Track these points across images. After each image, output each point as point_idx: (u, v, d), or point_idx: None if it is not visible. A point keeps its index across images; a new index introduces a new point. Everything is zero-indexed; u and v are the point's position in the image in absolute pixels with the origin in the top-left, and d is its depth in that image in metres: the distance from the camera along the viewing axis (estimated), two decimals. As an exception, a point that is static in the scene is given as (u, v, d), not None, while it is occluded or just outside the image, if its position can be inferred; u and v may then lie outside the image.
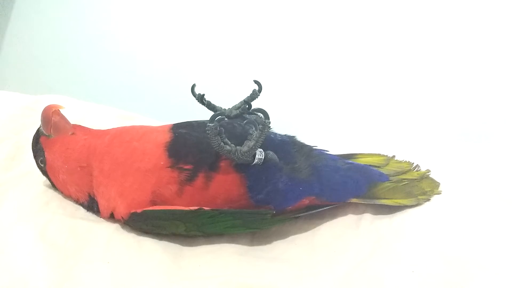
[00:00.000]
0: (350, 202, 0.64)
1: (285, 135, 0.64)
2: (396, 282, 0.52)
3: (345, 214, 0.65)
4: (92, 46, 1.49)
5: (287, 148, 0.62)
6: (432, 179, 0.68)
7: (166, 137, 0.59)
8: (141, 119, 0.95)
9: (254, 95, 0.56)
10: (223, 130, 0.56)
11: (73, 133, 0.64)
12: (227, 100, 0.61)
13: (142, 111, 1.03)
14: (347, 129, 1.16)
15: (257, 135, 0.55)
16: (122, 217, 0.60)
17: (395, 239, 0.59)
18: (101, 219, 0.63)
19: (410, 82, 1.11)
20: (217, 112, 0.56)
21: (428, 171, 0.69)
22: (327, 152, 0.66)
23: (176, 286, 0.53)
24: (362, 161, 0.68)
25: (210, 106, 0.58)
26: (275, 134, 0.63)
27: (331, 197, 0.63)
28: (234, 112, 0.56)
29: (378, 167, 0.68)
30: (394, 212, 0.64)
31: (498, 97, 1.03)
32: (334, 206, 0.64)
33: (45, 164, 0.65)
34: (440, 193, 0.66)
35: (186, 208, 0.56)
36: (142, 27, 1.41)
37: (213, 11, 1.30)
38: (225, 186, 0.57)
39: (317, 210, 0.63)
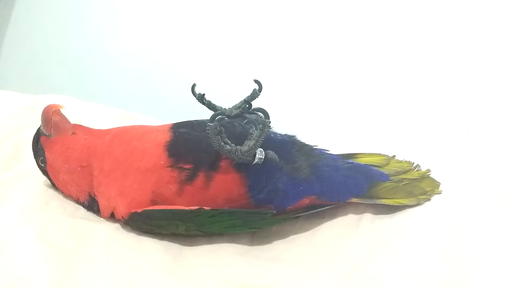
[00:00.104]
0: (350, 201, 0.64)
1: (285, 134, 0.64)
2: (396, 282, 0.52)
3: (346, 213, 0.65)
4: (92, 45, 1.49)
5: (287, 147, 0.62)
6: (432, 179, 0.68)
7: (166, 136, 0.59)
8: (142, 119, 0.95)
9: (255, 94, 0.56)
10: (223, 130, 0.56)
11: (73, 133, 0.64)
12: (227, 100, 0.61)
13: (142, 111, 1.03)
14: (348, 129, 1.16)
15: (257, 135, 0.55)
16: (123, 217, 0.60)
17: (395, 239, 0.59)
18: (102, 218, 0.63)
19: (411, 82, 1.10)
20: (217, 112, 0.56)
21: (429, 170, 0.69)
22: (328, 152, 0.66)
23: (176, 285, 0.53)
24: (362, 160, 0.68)
25: (210, 105, 0.58)
26: (275, 133, 0.63)
27: (331, 196, 0.63)
28: (234, 112, 0.56)
29: (379, 166, 0.68)
30: (395, 212, 0.64)
31: (498, 97, 1.02)
32: (334, 205, 0.64)
33: (45, 164, 0.65)
34: (441, 193, 0.66)
35: (186, 208, 0.56)
36: (142, 27, 1.41)
37: (214, 10, 1.30)
38: (225, 185, 0.57)
39: (317, 210, 0.63)
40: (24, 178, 0.70)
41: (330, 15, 1.17)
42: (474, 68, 1.04)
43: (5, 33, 1.63)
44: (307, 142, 0.65)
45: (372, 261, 0.56)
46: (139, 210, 0.57)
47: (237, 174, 0.57)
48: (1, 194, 0.66)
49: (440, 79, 1.08)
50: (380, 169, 0.67)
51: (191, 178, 0.56)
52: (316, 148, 0.65)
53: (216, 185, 0.57)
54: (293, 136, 0.65)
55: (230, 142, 0.55)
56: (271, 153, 0.57)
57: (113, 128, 0.65)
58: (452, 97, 1.06)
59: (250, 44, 1.27)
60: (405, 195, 0.65)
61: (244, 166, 0.57)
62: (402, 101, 1.11)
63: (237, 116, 0.57)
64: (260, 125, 0.55)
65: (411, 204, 0.64)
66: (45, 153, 0.65)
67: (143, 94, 1.41)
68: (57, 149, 0.63)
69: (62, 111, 0.64)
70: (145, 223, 0.59)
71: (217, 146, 0.55)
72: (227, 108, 0.57)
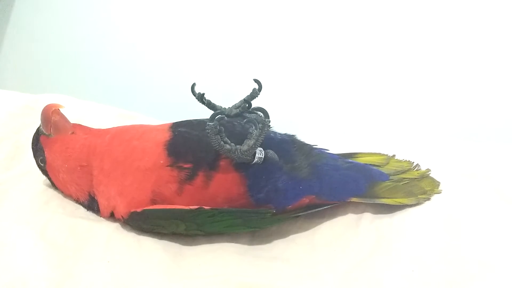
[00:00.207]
0: (350, 201, 0.64)
1: (285, 134, 0.64)
2: (396, 281, 0.52)
3: (345, 213, 0.65)
4: (92, 45, 1.49)
5: (287, 147, 0.62)
6: (432, 178, 0.68)
7: (166, 135, 0.59)
8: (141, 118, 0.95)
9: (254, 94, 0.56)
10: (223, 129, 0.56)
11: (73, 132, 0.64)
12: (227, 99, 0.61)
13: (142, 110, 1.02)
14: (347, 128, 1.16)
15: (257, 134, 0.55)
16: (122, 216, 0.60)
17: (395, 238, 0.59)
18: (101, 218, 0.63)
19: (411, 82, 1.10)
20: (217, 111, 0.56)
21: (428, 170, 0.69)
22: (327, 151, 0.66)
23: (176, 285, 0.53)
24: (362, 160, 0.68)
25: (210, 105, 0.58)
26: (275, 133, 0.63)
27: (331, 196, 0.63)
28: (234, 111, 0.56)
29: (378, 166, 0.68)
30: (394, 211, 0.64)
31: (498, 97, 1.03)
32: (334, 205, 0.64)
33: (45, 164, 0.65)
34: (440, 193, 0.66)
35: (186, 207, 0.56)
36: (142, 26, 1.41)
37: (214, 10, 1.30)
38: (225, 185, 0.57)
39: (317, 209, 0.63)
40: (23, 177, 0.70)
41: (330, 15, 1.17)
42: (474, 68, 1.04)
43: (5, 33, 1.63)
44: (307, 142, 0.65)
45: (372, 261, 0.56)
46: (139, 210, 0.57)
47: (236, 173, 0.57)
48: (0, 193, 0.66)
49: (440, 79, 1.08)
50: (380, 169, 0.67)
51: (190, 177, 0.56)
52: (315, 148, 0.65)
53: (215, 185, 0.57)
54: (293, 135, 0.65)
55: (229, 142, 0.55)
56: (270, 152, 0.57)
57: (113, 127, 0.65)
58: (452, 96, 1.06)
59: (250, 43, 1.27)
60: (404, 195, 0.64)
61: (243, 166, 0.57)
62: (402, 100, 1.11)
63: (236, 115, 0.57)
64: (259, 125, 0.55)
65: (411, 203, 0.64)
66: (45, 152, 0.64)
67: (143, 93, 1.41)
68: (57, 148, 0.63)
69: (62, 110, 0.64)
70: (145, 222, 0.59)
71: (217, 145, 0.55)
72: (226, 108, 0.57)
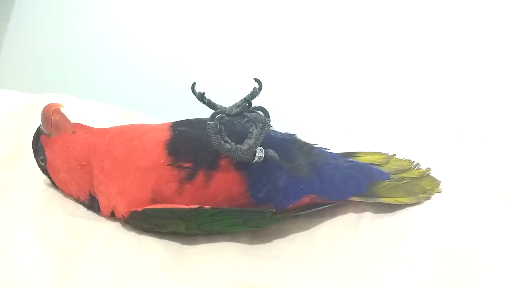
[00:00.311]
0: (350, 200, 0.64)
1: (285, 133, 0.64)
2: (396, 281, 0.52)
3: (346, 212, 0.65)
4: (92, 44, 1.49)
5: (288, 146, 0.62)
6: (432, 178, 0.68)
7: (166, 135, 0.59)
8: (142, 118, 0.95)
9: (255, 93, 0.56)
10: (223, 128, 0.56)
11: (73, 132, 0.64)
12: (227, 99, 0.61)
13: (142, 110, 1.02)
14: (348, 128, 1.16)
15: (257, 133, 0.55)
16: (123, 216, 0.60)
17: (395, 238, 0.59)
18: (102, 217, 0.63)
19: (411, 81, 1.10)
20: (217, 110, 0.56)
21: (429, 169, 0.69)
22: (328, 151, 0.66)
23: (177, 284, 0.53)
24: (362, 159, 0.68)
25: (210, 104, 0.58)
26: (276, 132, 0.63)
27: (331, 195, 0.63)
28: (234, 110, 0.56)
29: (379, 165, 0.68)
30: (395, 211, 0.64)
31: (498, 97, 1.02)
32: (334, 204, 0.64)
33: (45, 163, 0.65)
34: (441, 192, 0.66)
35: (187, 207, 0.56)
36: (142, 26, 1.41)
37: (214, 9, 1.30)
38: (225, 184, 0.57)
39: (317, 209, 0.63)
40: (24, 177, 0.70)
41: (330, 15, 1.16)
42: (474, 67, 1.04)
43: (5, 32, 1.63)
44: (307, 141, 0.65)
45: (372, 260, 0.56)
46: (139, 209, 0.57)
47: (237, 172, 0.57)
48: (1, 193, 0.66)
49: (440, 78, 1.08)
50: (380, 168, 0.67)
51: (191, 176, 0.56)
52: (316, 147, 0.65)
53: (216, 184, 0.57)
54: (293, 134, 0.65)
55: (230, 141, 0.55)
56: (271, 151, 0.57)
57: (113, 127, 0.65)
58: (453, 96, 1.06)
59: (250, 43, 1.27)
60: (405, 194, 0.65)
61: (244, 165, 0.57)
62: (402, 100, 1.11)
63: (237, 114, 0.57)
64: (260, 124, 0.55)
65: (411, 202, 0.64)
66: (45, 152, 0.65)
67: (143, 93, 1.41)
68: (57, 148, 0.63)
69: (62, 110, 0.64)
70: (145, 222, 0.59)
71: (217, 144, 0.55)
72: (227, 107, 0.57)
